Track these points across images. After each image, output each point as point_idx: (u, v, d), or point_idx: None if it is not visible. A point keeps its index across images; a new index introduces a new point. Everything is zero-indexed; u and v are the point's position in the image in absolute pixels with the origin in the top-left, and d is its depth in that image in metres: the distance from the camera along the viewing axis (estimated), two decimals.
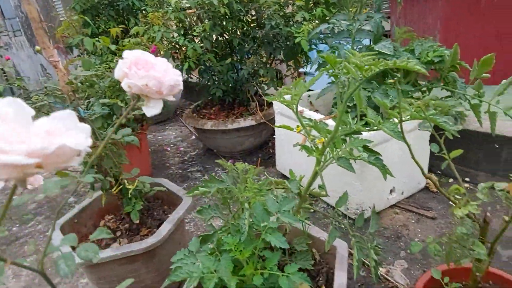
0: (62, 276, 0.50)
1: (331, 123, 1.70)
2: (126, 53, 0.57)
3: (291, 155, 2.09)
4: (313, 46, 2.30)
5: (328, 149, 1.07)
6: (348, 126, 1.09)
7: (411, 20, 9.95)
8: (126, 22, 3.05)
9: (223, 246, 0.91)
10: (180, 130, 3.37)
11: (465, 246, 0.72)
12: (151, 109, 0.60)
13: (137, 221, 1.34)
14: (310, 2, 2.24)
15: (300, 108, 1.88)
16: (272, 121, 2.46)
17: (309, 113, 1.88)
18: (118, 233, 1.42)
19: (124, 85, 0.58)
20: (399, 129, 1.03)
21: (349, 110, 1.82)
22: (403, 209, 1.77)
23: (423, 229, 1.63)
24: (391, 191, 1.77)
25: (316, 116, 1.81)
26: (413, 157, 0.95)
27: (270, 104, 2.53)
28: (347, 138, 1.11)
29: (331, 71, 1.04)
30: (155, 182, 1.48)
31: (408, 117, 1.07)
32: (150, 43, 1.97)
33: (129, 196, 1.33)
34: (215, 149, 2.63)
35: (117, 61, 1.76)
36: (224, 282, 0.86)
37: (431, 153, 1.92)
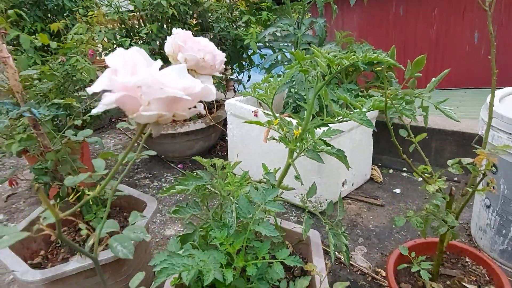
0: (122, 257, 0.48)
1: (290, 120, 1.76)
2: (175, 30, 0.56)
3: (245, 156, 2.11)
4: (258, 51, 2.36)
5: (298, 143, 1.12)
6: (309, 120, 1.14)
7: (331, 32, 10.58)
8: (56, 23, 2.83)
9: (212, 241, 0.90)
10: (119, 138, 3.20)
11: (439, 217, 0.81)
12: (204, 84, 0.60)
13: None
14: (254, 7, 2.31)
15: (253, 109, 1.92)
16: (221, 123, 2.47)
17: (263, 113, 1.93)
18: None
19: (180, 58, 0.56)
20: (367, 117, 1.11)
21: (302, 108, 1.91)
22: (355, 200, 1.90)
23: (375, 216, 1.76)
24: (343, 184, 1.89)
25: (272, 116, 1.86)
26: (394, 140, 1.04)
27: (218, 107, 2.53)
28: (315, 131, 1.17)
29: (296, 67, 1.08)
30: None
31: (370, 107, 1.17)
32: (92, 43, 1.86)
33: (89, 203, 1.23)
34: (163, 155, 2.55)
35: (59, 59, 1.63)
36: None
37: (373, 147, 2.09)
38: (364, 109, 1.17)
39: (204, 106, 2.40)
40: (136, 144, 1.34)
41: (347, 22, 11.37)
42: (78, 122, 1.32)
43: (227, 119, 2.16)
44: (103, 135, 3.34)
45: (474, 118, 2.71)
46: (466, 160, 0.80)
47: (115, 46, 2.19)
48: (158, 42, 2.04)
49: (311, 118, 1.15)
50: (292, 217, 1.84)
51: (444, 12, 9.11)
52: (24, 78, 1.32)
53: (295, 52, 1.10)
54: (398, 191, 1.97)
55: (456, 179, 2.02)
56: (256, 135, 1.98)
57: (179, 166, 2.49)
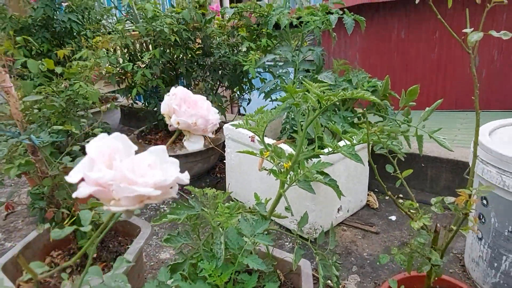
0: None
1: (284, 147, 1.79)
2: (173, 90, 0.60)
3: (242, 180, 2.13)
4: (257, 75, 2.42)
5: (291, 172, 1.14)
6: (304, 150, 1.17)
7: (334, 53, 10.74)
8: (63, 45, 2.91)
9: (200, 272, 0.91)
10: None
11: (423, 255, 0.82)
12: (194, 144, 0.63)
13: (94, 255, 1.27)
14: (254, 33, 2.37)
15: (251, 134, 1.95)
16: (220, 146, 2.50)
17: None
18: (68, 270, 1.32)
19: (173, 121, 0.59)
20: (355, 152, 1.14)
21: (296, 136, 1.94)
22: (350, 226, 1.90)
23: (370, 243, 1.76)
24: (338, 210, 1.90)
25: (269, 141, 1.89)
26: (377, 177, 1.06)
27: (217, 129, 2.57)
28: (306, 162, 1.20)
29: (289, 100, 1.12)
30: None
31: (360, 140, 1.20)
32: (97, 67, 1.92)
33: None
34: None
35: (63, 84, 1.68)
36: None
37: (369, 173, 2.10)
38: (354, 141, 1.21)
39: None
40: None
41: (349, 45, 11.49)
42: (77, 148, 1.35)
43: (225, 142, 2.20)
44: None
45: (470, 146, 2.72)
46: (449, 199, 0.82)
47: (118, 69, 2.26)
48: (160, 67, 2.09)
49: (306, 144, 1.19)
50: (287, 243, 1.85)
51: (445, 35, 9.23)
52: (26, 107, 1.36)
53: (287, 86, 1.14)
54: (393, 218, 1.97)
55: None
56: (253, 160, 2.00)
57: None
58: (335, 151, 1.11)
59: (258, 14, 2.27)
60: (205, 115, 0.60)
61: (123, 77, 2.18)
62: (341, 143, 1.30)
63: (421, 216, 0.86)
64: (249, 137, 1.95)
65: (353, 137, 1.20)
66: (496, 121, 1.53)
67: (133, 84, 2.15)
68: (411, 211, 0.91)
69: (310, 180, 1.14)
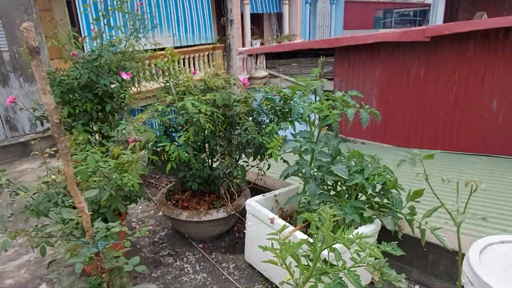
0: None
1: (299, 235, 2.02)
2: None
3: (260, 252, 2.37)
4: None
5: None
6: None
7: (352, 85, 11.00)
8: (103, 104, 3.24)
9: None
10: (146, 204, 3.52)
11: None
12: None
13: None
14: (277, 115, 2.64)
15: (271, 215, 2.19)
16: (241, 212, 2.75)
17: (279, 221, 2.19)
18: None
19: None
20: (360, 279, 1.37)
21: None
22: None
23: None
24: None
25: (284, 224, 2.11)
26: None
27: (239, 195, 2.82)
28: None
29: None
30: None
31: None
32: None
33: None
34: (186, 234, 2.83)
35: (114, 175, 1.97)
36: None
37: None
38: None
39: (227, 197, 2.70)
40: None
41: (368, 77, 11.66)
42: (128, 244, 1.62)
43: (246, 215, 2.44)
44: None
45: (469, 232, 2.97)
46: None
47: (155, 141, 2.54)
48: (192, 147, 2.37)
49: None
50: None
51: (464, 77, 9.33)
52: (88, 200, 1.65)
53: (306, 215, 1.40)
54: None
55: None
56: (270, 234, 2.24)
57: (200, 246, 2.76)
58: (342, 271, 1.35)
59: (282, 98, 2.55)
60: None
61: (160, 154, 2.47)
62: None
63: None
64: (269, 218, 2.19)
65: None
66: (489, 238, 1.72)
67: (167, 158, 2.43)
68: None
69: None
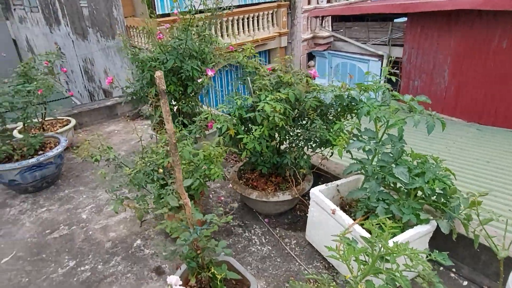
0: None
1: (358, 229, 2.27)
2: None
3: (319, 233, 2.68)
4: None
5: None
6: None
7: (424, 53, 10.49)
8: (185, 86, 3.61)
9: None
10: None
11: None
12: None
13: None
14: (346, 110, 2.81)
15: (333, 206, 2.47)
16: (303, 194, 3.04)
17: (340, 214, 2.45)
18: None
19: None
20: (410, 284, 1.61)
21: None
22: None
23: None
24: None
25: (346, 218, 2.37)
26: None
27: (303, 179, 3.10)
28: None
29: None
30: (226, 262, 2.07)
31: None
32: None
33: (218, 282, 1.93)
34: (254, 209, 3.22)
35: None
36: None
37: None
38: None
39: (292, 181, 3.00)
40: None
41: (441, 46, 10.97)
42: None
43: (309, 202, 2.74)
44: None
45: None
46: None
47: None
48: (265, 140, 2.66)
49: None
50: None
51: None
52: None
53: (366, 224, 1.64)
54: None
55: None
56: (332, 225, 2.53)
57: (265, 220, 3.15)
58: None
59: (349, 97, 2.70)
60: None
61: (238, 143, 2.80)
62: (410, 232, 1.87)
63: None
64: (331, 209, 2.47)
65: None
66: None
67: (243, 147, 2.75)
68: None
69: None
